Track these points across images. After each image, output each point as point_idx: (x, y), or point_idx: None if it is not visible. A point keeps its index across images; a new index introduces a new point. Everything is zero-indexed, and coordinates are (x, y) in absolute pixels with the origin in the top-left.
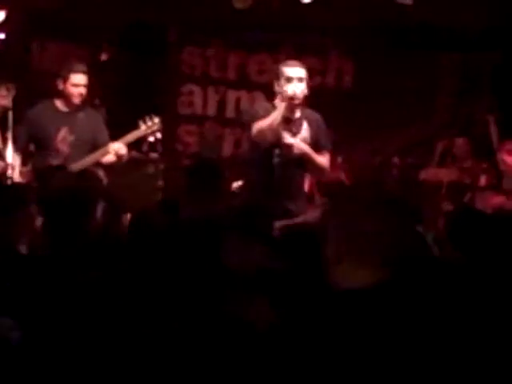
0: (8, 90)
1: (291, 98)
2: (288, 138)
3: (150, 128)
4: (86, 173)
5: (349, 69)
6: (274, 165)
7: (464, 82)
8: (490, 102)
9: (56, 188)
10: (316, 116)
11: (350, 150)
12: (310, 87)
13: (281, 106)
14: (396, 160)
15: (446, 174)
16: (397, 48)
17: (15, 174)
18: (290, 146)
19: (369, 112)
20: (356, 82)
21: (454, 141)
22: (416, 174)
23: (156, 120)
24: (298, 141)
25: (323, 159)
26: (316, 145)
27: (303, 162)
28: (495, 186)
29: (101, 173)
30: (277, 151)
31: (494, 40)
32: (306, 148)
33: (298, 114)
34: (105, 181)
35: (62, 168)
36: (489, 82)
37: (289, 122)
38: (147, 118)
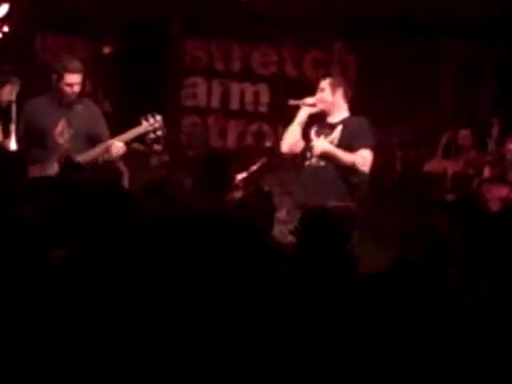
0: (13, 83)
1: (311, 105)
2: (314, 140)
3: (151, 126)
4: (109, 166)
5: (352, 60)
6: (305, 166)
7: (468, 71)
8: (494, 94)
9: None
10: (356, 121)
11: None
12: (347, 95)
13: (302, 112)
14: (399, 153)
15: (450, 166)
16: (400, 37)
17: None
18: (312, 147)
19: (372, 104)
20: (359, 74)
21: (458, 132)
22: (420, 166)
23: (158, 118)
24: (322, 142)
25: (352, 157)
26: (348, 146)
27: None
28: (499, 178)
29: (121, 165)
30: (308, 154)
31: (500, 32)
32: (328, 148)
33: (335, 119)
34: (126, 174)
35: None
36: (493, 74)
37: (322, 127)
38: (149, 116)
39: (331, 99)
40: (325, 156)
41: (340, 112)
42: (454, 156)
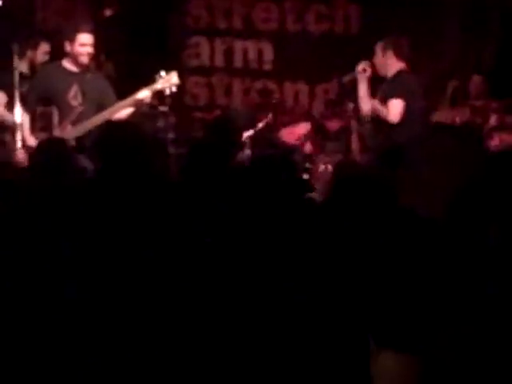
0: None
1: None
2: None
3: (167, 81)
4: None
5: (356, 14)
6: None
7: (474, 19)
8: (499, 43)
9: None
10: (397, 75)
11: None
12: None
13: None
14: None
15: (457, 115)
16: None
17: (26, 134)
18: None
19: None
20: (363, 27)
21: (470, 78)
22: (428, 116)
23: (172, 74)
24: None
25: (383, 109)
26: (386, 99)
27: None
28: (506, 126)
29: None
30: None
31: None
32: (372, 103)
33: (388, 77)
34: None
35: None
36: (499, 22)
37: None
38: (164, 73)
39: (382, 60)
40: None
41: (393, 68)
42: (461, 104)
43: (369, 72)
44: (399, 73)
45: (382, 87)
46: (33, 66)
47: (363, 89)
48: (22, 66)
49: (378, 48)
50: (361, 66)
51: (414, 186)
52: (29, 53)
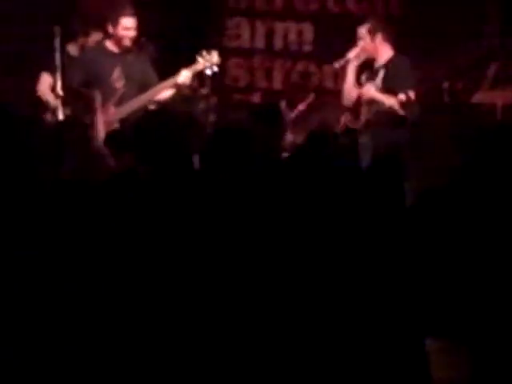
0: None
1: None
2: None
3: (208, 61)
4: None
5: None
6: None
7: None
8: None
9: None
10: (397, 63)
11: None
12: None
13: (349, 68)
14: (446, 85)
15: (499, 97)
16: None
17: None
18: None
19: (417, 37)
20: (403, 7)
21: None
22: (468, 98)
23: (213, 53)
24: (368, 88)
25: (394, 100)
26: (392, 89)
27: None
28: None
29: None
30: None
31: None
32: (373, 94)
33: (379, 63)
34: None
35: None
36: None
37: (369, 72)
38: (204, 52)
39: (372, 45)
40: (372, 102)
41: (384, 55)
42: (503, 87)
43: (362, 59)
44: (395, 59)
45: (374, 74)
46: (83, 50)
47: (351, 77)
48: (72, 50)
49: (364, 31)
50: (353, 52)
51: None
52: (80, 39)
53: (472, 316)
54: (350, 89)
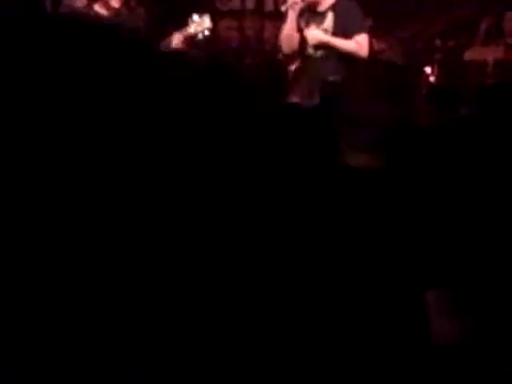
0: None
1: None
2: (308, 32)
3: (199, 25)
4: None
5: None
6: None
7: None
8: None
9: None
10: (348, 5)
11: (389, 34)
12: None
13: (290, 12)
14: (438, 42)
15: (491, 53)
16: None
17: None
18: (306, 39)
19: None
20: None
21: (504, 15)
22: (460, 56)
23: (205, 17)
24: (316, 32)
25: (347, 44)
26: (343, 32)
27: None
28: None
29: None
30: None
31: None
32: (322, 38)
33: (324, 6)
34: None
35: None
36: None
37: (311, 16)
38: (195, 16)
39: None
40: (321, 46)
41: (329, 1)
42: (495, 42)
43: (300, 4)
44: (343, 2)
45: (320, 18)
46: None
47: (293, 21)
48: None
49: None
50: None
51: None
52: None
53: (477, 267)
54: (291, 34)
